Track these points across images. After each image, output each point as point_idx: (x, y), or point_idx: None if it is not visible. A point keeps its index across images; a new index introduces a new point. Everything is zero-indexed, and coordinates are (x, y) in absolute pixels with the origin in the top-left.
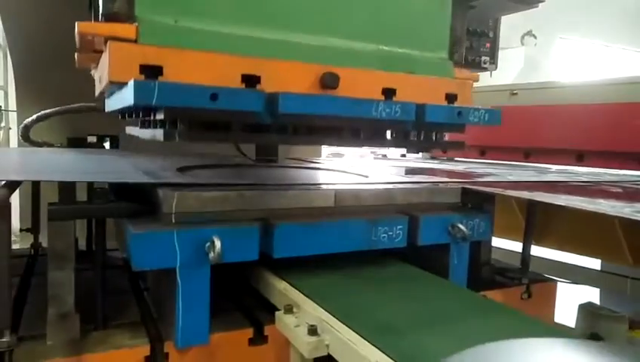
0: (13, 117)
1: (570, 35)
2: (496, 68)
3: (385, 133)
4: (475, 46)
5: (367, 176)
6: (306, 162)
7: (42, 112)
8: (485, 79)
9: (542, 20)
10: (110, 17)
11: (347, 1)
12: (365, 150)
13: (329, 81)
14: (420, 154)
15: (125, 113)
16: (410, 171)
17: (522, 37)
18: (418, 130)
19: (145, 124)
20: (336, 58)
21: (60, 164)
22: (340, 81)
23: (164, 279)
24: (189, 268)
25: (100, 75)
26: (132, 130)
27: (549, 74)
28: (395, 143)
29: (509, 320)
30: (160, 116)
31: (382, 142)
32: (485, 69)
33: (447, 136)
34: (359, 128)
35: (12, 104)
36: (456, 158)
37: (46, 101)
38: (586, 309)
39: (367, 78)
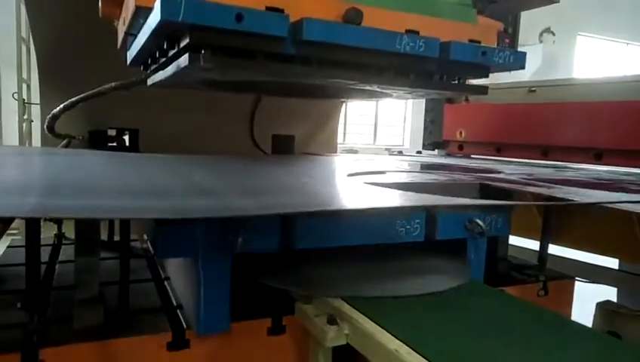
0: (34, 110)
1: (589, 32)
2: None
3: (408, 73)
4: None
5: (384, 171)
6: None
7: (69, 101)
8: (504, 76)
9: (561, 17)
10: None
11: None
12: (379, 147)
13: (352, 17)
14: (436, 151)
15: (147, 61)
16: (427, 167)
17: (540, 34)
18: (441, 72)
19: (168, 62)
20: None
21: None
22: (363, 20)
23: (185, 268)
24: (211, 258)
25: (124, 16)
26: (155, 78)
27: (567, 71)
28: (417, 83)
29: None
30: (185, 41)
31: (404, 81)
32: None
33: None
34: (382, 65)
35: (33, 97)
36: (472, 155)
37: (69, 94)
38: (604, 308)
39: (390, 18)
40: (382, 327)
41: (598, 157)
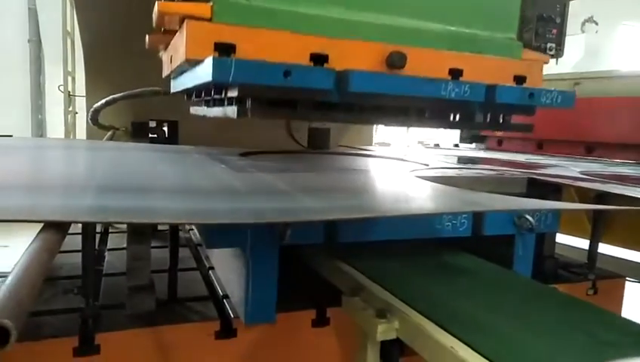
0: (78, 102)
1: (634, 21)
2: (562, 55)
3: (450, 113)
4: (540, 32)
5: (427, 165)
6: (359, 150)
7: (111, 97)
8: (548, 67)
9: (604, 6)
10: None
11: None
12: (412, 139)
13: (396, 61)
14: (474, 144)
15: (191, 93)
16: (469, 161)
17: (582, 23)
18: (485, 111)
19: (211, 103)
20: (403, 37)
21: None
22: (407, 61)
23: (231, 258)
24: (259, 248)
25: (172, 55)
26: (198, 110)
27: (610, 63)
28: (461, 124)
29: (575, 309)
30: (232, 94)
31: (448, 122)
32: (552, 56)
33: None
34: (424, 108)
35: (77, 90)
36: (511, 151)
37: (114, 87)
38: None
39: (433, 57)
40: (435, 323)
41: None
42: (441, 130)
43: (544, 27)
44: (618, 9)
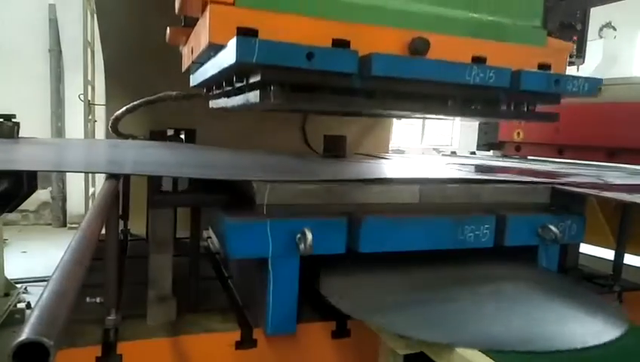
0: (97, 111)
1: None
2: (583, 62)
3: (474, 102)
4: (562, 39)
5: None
6: (377, 158)
7: (131, 104)
8: (568, 72)
9: (623, 11)
10: None
11: None
12: (427, 147)
13: (419, 47)
14: (491, 152)
15: (211, 86)
16: (489, 170)
17: (600, 29)
18: (509, 100)
19: (232, 93)
20: (425, 24)
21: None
22: (430, 48)
23: (252, 268)
24: (280, 258)
25: (193, 46)
26: (218, 103)
27: (629, 69)
28: (485, 113)
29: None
30: (255, 79)
31: (471, 111)
32: (572, 63)
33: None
34: (447, 96)
35: (97, 98)
36: (529, 157)
37: (134, 95)
38: None
39: (456, 44)
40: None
41: None
42: (456, 137)
43: (565, 34)
44: (637, 14)
